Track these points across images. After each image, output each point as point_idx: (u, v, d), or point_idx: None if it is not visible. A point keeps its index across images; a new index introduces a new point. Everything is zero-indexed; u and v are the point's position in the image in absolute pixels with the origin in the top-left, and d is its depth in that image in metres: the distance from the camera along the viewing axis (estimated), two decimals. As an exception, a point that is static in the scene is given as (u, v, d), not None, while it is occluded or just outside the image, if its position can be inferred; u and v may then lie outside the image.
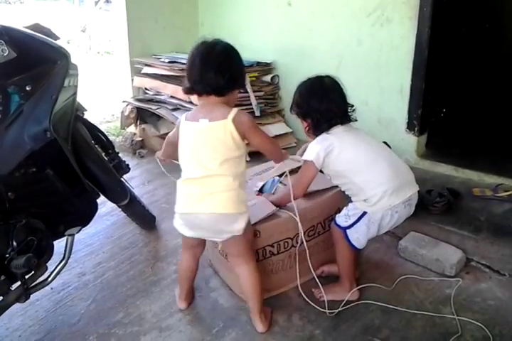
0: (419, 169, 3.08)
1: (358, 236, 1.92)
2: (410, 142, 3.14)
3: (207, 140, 1.66)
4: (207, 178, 1.67)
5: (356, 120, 1.94)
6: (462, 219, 2.42)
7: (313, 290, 2.07)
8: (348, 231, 1.92)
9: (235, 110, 1.65)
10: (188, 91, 1.74)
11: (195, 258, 1.96)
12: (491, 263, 2.21)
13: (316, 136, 1.91)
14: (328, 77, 1.92)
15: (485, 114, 3.94)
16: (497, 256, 2.19)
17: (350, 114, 1.92)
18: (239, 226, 1.70)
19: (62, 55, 1.89)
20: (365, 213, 1.87)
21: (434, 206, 2.46)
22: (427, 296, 2.05)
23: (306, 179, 1.94)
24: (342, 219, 1.95)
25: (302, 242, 2.01)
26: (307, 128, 1.95)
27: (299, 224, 1.96)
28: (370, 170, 1.85)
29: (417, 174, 2.96)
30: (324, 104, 1.87)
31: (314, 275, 2.01)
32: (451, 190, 2.57)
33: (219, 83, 1.64)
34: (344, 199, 2.08)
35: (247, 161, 1.94)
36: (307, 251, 2.01)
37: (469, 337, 1.81)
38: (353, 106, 1.92)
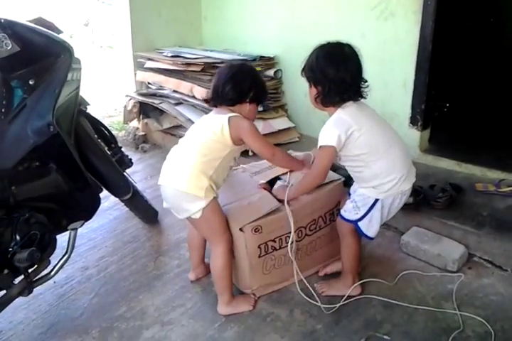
0: (422, 164, 3.07)
1: (373, 225, 1.88)
2: (413, 137, 3.12)
3: (201, 125, 1.90)
4: (180, 154, 1.86)
5: (366, 97, 1.84)
6: (465, 214, 2.41)
7: (315, 284, 2.08)
8: (359, 223, 1.89)
9: (237, 114, 1.85)
10: (207, 103, 2.01)
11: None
12: (494, 259, 2.20)
13: (324, 106, 1.82)
14: (348, 45, 1.78)
15: (488, 108, 3.93)
16: (499, 251, 2.19)
17: (362, 89, 1.81)
18: (194, 208, 1.80)
19: (66, 49, 1.89)
20: (377, 200, 1.85)
21: (437, 201, 2.45)
22: (428, 291, 2.05)
23: (325, 166, 1.84)
24: (350, 212, 1.91)
25: (294, 241, 2.03)
26: (316, 96, 1.81)
27: (291, 223, 1.95)
28: (387, 155, 1.81)
29: (419, 169, 2.96)
30: (340, 73, 1.73)
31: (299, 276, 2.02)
32: (453, 185, 2.57)
33: (226, 94, 1.85)
34: (344, 192, 2.09)
35: (246, 155, 2.05)
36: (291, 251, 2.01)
37: (471, 332, 1.81)
38: (366, 81, 1.81)
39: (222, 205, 1.95)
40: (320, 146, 1.79)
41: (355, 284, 2.03)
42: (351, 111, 1.78)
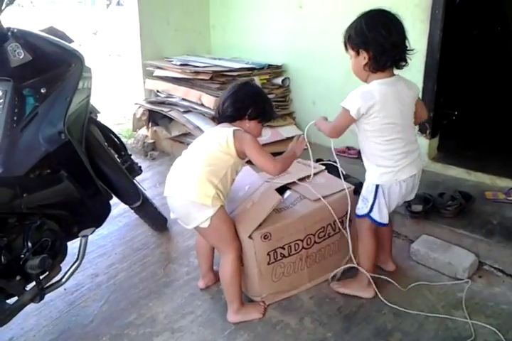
0: (431, 172, 3.07)
1: (382, 211, 1.94)
2: (422, 145, 3.10)
3: (206, 137, 1.92)
4: (187, 165, 1.88)
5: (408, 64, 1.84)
6: (474, 222, 2.40)
7: (330, 284, 2.12)
8: (372, 214, 1.95)
9: (239, 128, 1.88)
10: (213, 118, 2.05)
11: None
12: (504, 267, 2.19)
13: (374, 72, 1.80)
14: (390, 12, 1.79)
15: (497, 116, 3.92)
16: (510, 259, 2.17)
17: (408, 56, 1.81)
18: (202, 217, 1.81)
19: (77, 58, 1.92)
20: (377, 186, 1.91)
21: (446, 209, 2.44)
22: (439, 300, 2.04)
23: (342, 126, 1.88)
24: (362, 207, 1.99)
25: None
26: (366, 62, 1.78)
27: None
28: (389, 145, 1.85)
29: (428, 177, 2.99)
30: (393, 36, 1.74)
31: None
32: (463, 193, 2.56)
33: (226, 110, 1.92)
34: (353, 200, 2.09)
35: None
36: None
37: (484, 340, 1.80)
38: (412, 49, 1.81)
39: (229, 212, 1.97)
40: (342, 106, 1.82)
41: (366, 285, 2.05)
42: (384, 88, 1.79)
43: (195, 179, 1.81)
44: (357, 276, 2.09)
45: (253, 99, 1.94)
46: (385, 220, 1.96)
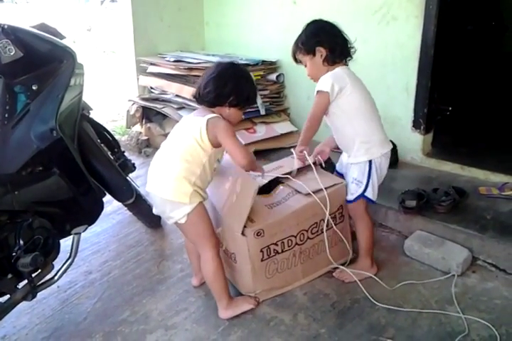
0: (425, 167, 3.08)
1: (374, 189, 2.07)
2: (416, 140, 3.12)
3: (182, 128, 1.88)
4: (163, 161, 1.85)
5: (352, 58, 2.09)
6: (468, 217, 2.41)
7: (333, 274, 2.17)
8: (366, 193, 2.06)
9: (215, 115, 1.82)
10: (193, 97, 1.94)
11: None
12: (498, 262, 2.20)
13: (331, 65, 2.01)
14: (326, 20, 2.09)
15: (491, 112, 3.93)
16: (503, 254, 2.18)
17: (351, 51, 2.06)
18: (179, 214, 1.81)
19: (68, 55, 1.91)
20: (370, 162, 2.03)
21: (440, 205, 2.44)
22: (432, 295, 2.04)
23: (319, 109, 2.01)
24: (356, 190, 2.07)
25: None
26: (324, 58, 2.00)
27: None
28: (369, 119, 2.05)
29: (423, 172, 3.00)
30: (342, 34, 2.04)
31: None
32: (457, 188, 2.56)
33: (206, 95, 1.83)
34: (345, 196, 2.12)
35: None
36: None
37: (476, 336, 1.81)
38: (353, 47, 2.06)
39: (220, 208, 1.98)
40: (316, 92, 1.99)
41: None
42: (348, 71, 2.04)
43: (171, 177, 1.79)
44: (358, 260, 2.19)
45: (236, 86, 1.83)
46: (376, 198, 2.10)
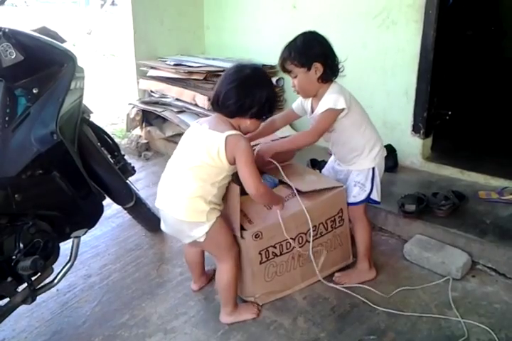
0: (425, 172, 3.08)
1: (378, 190, 2.10)
2: (416, 145, 3.13)
3: (194, 144, 1.77)
4: (175, 180, 1.77)
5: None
6: (468, 222, 2.41)
7: (333, 278, 2.16)
8: (371, 196, 2.08)
9: (235, 132, 1.72)
10: (209, 103, 1.87)
11: (195, 248, 2.03)
12: (497, 267, 2.20)
13: (325, 82, 1.95)
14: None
15: (491, 116, 3.93)
16: (503, 259, 2.18)
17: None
18: (198, 233, 1.76)
19: (69, 58, 1.91)
20: (373, 169, 2.05)
21: (440, 209, 2.44)
22: (432, 299, 2.04)
23: (327, 125, 1.96)
24: (360, 193, 2.08)
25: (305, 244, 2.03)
26: (319, 75, 1.91)
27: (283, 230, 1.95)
28: (371, 125, 2.07)
29: (422, 177, 3.00)
30: (331, 47, 1.95)
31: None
32: (456, 192, 2.56)
33: (226, 106, 1.73)
34: (345, 199, 2.12)
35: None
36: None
37: (475, 340, 1.81)
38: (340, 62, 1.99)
39: None
40: (328, 109, 1.90)
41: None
42: (342, 86, 1.99)
43: (186, 196, 1.72)
44: (357, 263, 2.19)
45: (261, 97, 1.73)
46: (380, 198, 2.12)
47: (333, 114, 1.92)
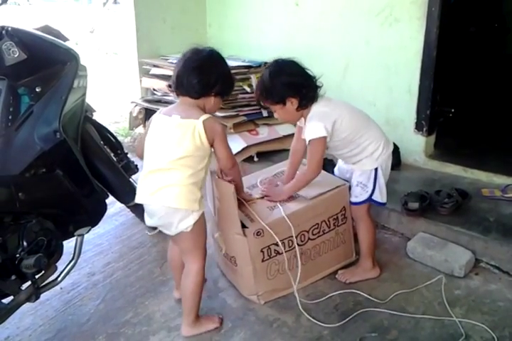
0: (428, 169, 3.08)
1: (382, 191, 2.07)
2: (419, 142, 3.12)
3: (174, 135, 1.74)
4: (162, 171, 1.74)
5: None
6: (471, 219, 2.40)
7: (336, 276, 2.17)
8: (373, 197, 2.06)
9: (207, 115, 1.75)
10: (170, 88, 1.85)
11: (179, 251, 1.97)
12: (501, 264, 2.20)
13: (304, 109, 1.94)
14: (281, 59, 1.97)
15: (494, 113, 3.92)
16: (506, 257, 2.18)
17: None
18: (187, 223, 1.75)
19: (72, 57, 1.91)
20: (376, 169, 2.03)
21: (443, 207, 2.44)
22: (435, 297, 2.04)
23: (320, 155, 1.96)
24: (361, 193, 2.07)
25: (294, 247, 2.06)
26: (296, 106, 1.92)
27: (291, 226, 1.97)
28: (368, 129, 2.02)
29: (425, 174, 3.00)
30: (305, 71, 1.94)
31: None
32: (459, 190, 2.56)
33: (192, 86, 1.75)
34: (347, 197, 2.13)
35: (251, 161, 1.93)
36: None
37: (478, 338, 1.81)
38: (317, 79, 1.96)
39: (213, 215, 2.02)
40: (310, 141, 1.91)
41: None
42: (325, 104, 1.96)
43: (180, 184, 1.71)
44: (360, 261, 2.19)
45: (222, 73, 1.80)
46: (385, 200, 2.10)
47: (319, 142, 1.91)
